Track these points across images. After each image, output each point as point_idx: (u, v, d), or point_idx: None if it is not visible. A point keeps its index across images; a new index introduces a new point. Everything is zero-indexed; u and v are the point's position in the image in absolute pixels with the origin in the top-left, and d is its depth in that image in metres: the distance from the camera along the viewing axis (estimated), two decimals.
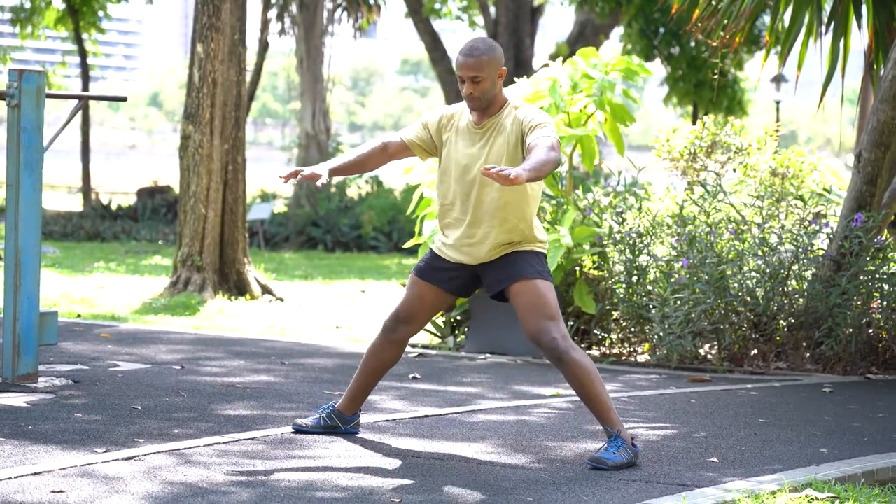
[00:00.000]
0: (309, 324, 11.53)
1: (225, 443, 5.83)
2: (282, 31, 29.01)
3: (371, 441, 6.03)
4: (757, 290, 9.27)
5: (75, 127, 34.73)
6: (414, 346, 10.08)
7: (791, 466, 5.78)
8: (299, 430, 6.12)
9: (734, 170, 10.28)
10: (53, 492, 4.79)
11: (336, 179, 27.06)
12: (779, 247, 9.42)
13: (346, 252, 24.37)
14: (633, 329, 9.71)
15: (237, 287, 13.45)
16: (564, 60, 10.23)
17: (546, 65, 10.16)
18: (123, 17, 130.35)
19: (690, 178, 10.29)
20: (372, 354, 6.03)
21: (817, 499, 5.10)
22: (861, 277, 9.17)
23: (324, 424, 6.12)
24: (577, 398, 7.50)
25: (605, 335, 9.81)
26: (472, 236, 5.77)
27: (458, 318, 10.14)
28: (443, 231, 5.89)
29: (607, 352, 9.78)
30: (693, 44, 28.22)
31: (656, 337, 9.36)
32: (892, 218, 9.75)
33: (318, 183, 5.69)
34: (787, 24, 10.03)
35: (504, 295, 5.80)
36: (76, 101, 7.66)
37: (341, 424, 6.13)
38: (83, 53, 29.20)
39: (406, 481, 5.23)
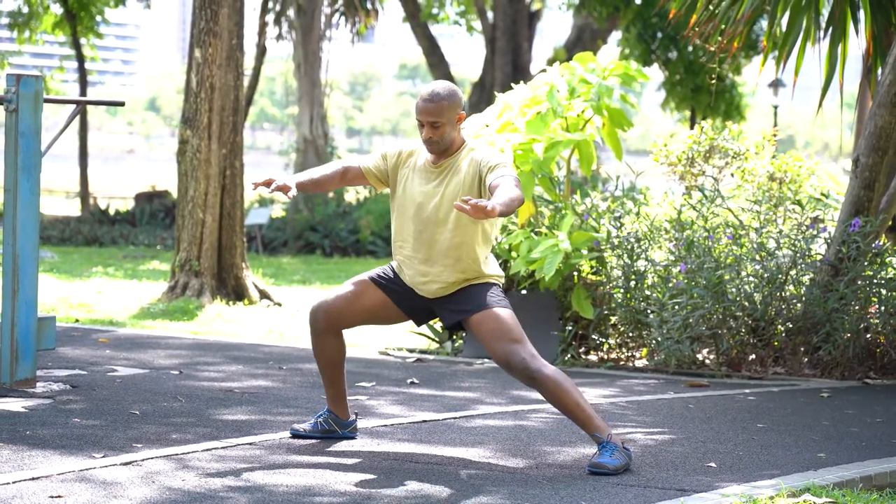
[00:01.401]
0: (307, 329, 11.51)
1: (223, 448, 5.83)
2: (279, 36, 29.01)
3: (369, 446, 6.03)
4: (755, 294, 9.27)
5: (73, 132, 34.72)
6: (412, 350, 10.08)
7: (789, 471, 5.78)
8: (297, 434, 6.13)
9: (732, 175, 10.28)
10: (51, 497, 4.79)
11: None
12: (777, 252, 9.42)
13: (344, 257, 24.37)
14: (631, 334, 9.71)
15: (235, 292, 13.45)
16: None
17: (543, 70, 10.17)
18: (121, 22, 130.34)
19: (688, 183, 10.29)
20: (315, 354, 6.05)
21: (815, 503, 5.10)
22: (859, 282, 9.17)
23: (321, 429, 6.12)
24: None
25: (603, 340, 9.81)
26: (425, 274, 5.83)
27: None
28: (398, 265, 5.94)
29: (605, 357, 9.78)
30: (691, 48, 28.24)
31: (654, 342, 9.36)
32: (890, 223, 9.75)
33: (289, 195, 5.74)
34: (784, 28, 10.03)
35: (461, 325, 5.83)
36: (74, 106, 7.66)
37: (338, 429, 6.13)
38: (81, 58, 29.20)
39: (404, 486, 5.23)
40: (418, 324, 6.08)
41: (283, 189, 5.75)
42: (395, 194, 5.93)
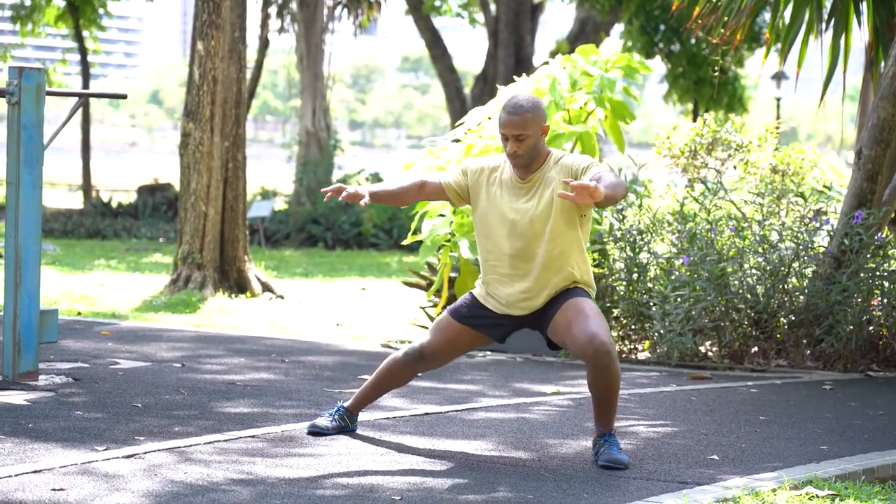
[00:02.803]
0: (309, 321, 11.53)
1: (225, 440, 5.83)
2: (282, 29, 29.00)
3: (371, 439, 6.03)
4: (757, 287, 9.27)
5: (76, 124, 34.71)
6: None
7: (791, 464, 5.78)
8: (319, 432, 6.06)
9: (735, 167, 10.28)
10: (53, 490, 4.79)
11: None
12: (779, 244, 9.42)
13: (347, 249, 24.38)
14: (633, 326, 9.71)
15: (237, 285, 13.46)
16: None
17: (546, 62, 10.16)
18: (124, 15, 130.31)
19: (691, 176, 10.29)
20: (387, 370, 6.02)
21: (817, 496, 5.10)
22: (861, 275, 9.17)
23: (338, 426, 6.10)
24: (578, 395, 7.52)
25: None
26: (528, 291, 5.74)
27: None
28: (487, 286, 5.84)
29: None
30: (693, 41, 28.21)
31: (657, 334, 9.36)
32: (893, 215, 9.75)
33: (362, 203, 5.68)
34: (787, 21, 10.02)
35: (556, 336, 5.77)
36: (76, 99, 7.65)
37: (350, 424, 6.13)
38: (83, 51, 29.19)
39: (406, 479, 5.23)
40: (504, 341, 6.03)
41: (356, 197, 5.67)
42: (476, 211, 5.82)
